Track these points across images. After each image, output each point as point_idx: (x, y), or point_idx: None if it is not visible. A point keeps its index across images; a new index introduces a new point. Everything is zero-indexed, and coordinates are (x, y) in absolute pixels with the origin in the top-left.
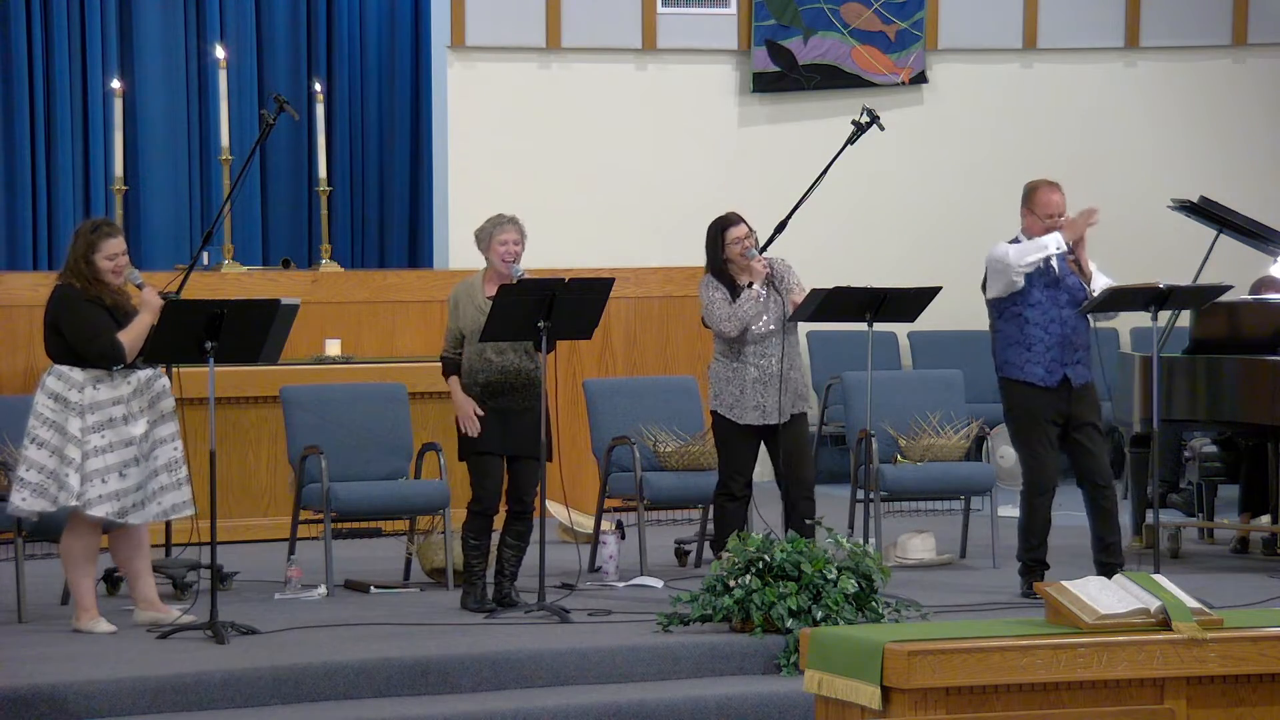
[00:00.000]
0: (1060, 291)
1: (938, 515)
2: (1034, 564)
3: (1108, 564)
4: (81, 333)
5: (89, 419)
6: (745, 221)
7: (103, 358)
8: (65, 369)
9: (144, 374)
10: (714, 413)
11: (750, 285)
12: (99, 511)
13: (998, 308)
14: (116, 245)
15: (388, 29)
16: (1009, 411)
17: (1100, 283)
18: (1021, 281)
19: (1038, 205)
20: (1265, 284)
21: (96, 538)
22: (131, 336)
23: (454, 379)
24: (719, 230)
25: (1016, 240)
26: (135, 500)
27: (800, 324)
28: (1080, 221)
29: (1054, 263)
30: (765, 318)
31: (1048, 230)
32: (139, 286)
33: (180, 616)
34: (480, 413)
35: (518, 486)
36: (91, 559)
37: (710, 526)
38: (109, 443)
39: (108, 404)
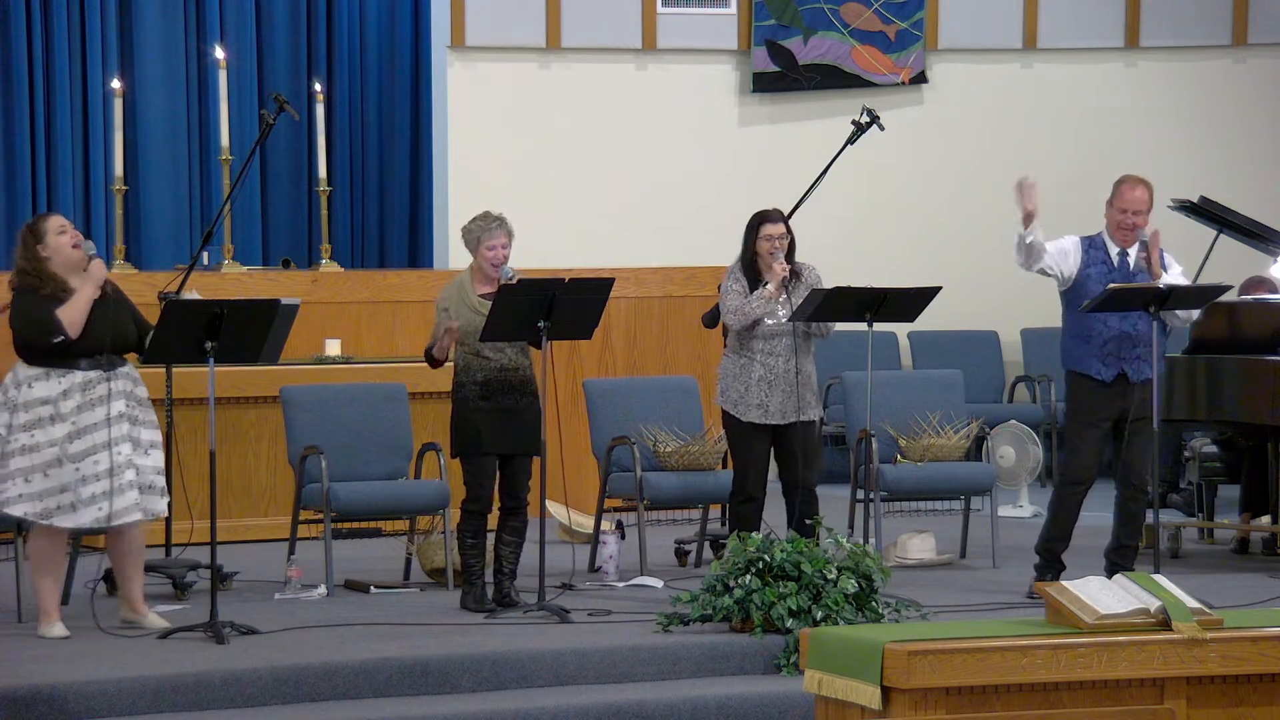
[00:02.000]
0: None
1: (938, 515)
2: (1048, 557)
3: (1117, 564)
4: (31, 322)
5: (21, 417)
6: (786, 222)
7: (49, 335)
8: (18, 364)
9: (82, 376)
10: (721, 409)
11: (766, 285)
12: (17, 511)
13: (1065, 300)
14: (56, 222)
15: (388, 29)
16: (1066, 401)
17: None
18: (1054, 269)
19: (1116, 198)
20: (1253, 284)
21: (55, 542)
22: (69, 310)
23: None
24: (757, 223)
25: (1098, 235)
26: (62, 503)
27: (825, 331)
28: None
29: (1130, 259)
30: (781, 313)
31: (1120, 225)
32: (91, 258)
33: (151, 619)
34: (454, 327)
35: (512, 483)
36: (50, 562)
37: (710, 527)
38: (37, 442)
39: (37, 403)
